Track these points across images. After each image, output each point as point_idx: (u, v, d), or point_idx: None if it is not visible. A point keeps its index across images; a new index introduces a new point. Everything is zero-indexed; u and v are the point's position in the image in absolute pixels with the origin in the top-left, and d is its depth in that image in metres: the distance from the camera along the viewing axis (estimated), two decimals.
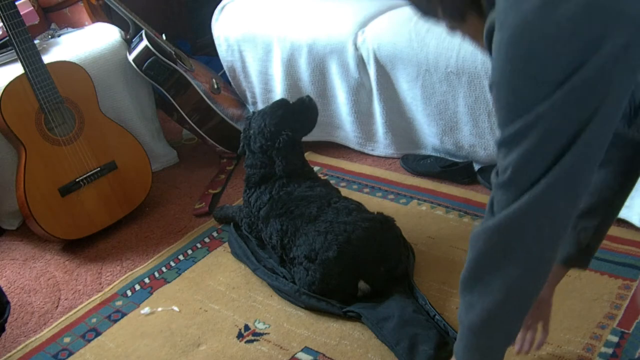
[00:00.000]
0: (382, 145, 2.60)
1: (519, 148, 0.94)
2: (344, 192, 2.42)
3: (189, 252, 2.22)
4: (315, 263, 1.81)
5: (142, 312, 1.96)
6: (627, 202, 1.99)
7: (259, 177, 2.10)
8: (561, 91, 0.88)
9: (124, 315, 1.97)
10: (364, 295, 1.81)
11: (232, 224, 2.24)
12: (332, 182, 2.50)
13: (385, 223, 1.90)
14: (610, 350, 1.59)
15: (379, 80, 2.44)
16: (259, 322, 1.86)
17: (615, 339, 1.62)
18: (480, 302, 1.06)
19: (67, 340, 1.91)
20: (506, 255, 1.01)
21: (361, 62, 2.45)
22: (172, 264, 2.17)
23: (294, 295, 1.87)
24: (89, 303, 2.04)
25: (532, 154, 0.93)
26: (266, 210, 2.02)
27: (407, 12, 2.43)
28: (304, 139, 2.78)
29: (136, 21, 2.67)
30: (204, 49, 3.45)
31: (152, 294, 2.04)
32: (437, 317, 1.72)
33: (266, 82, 2.80)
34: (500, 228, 1.00)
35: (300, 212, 1.93)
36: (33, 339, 1.92)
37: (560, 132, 0.91)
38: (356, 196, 2.38)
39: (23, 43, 2.16)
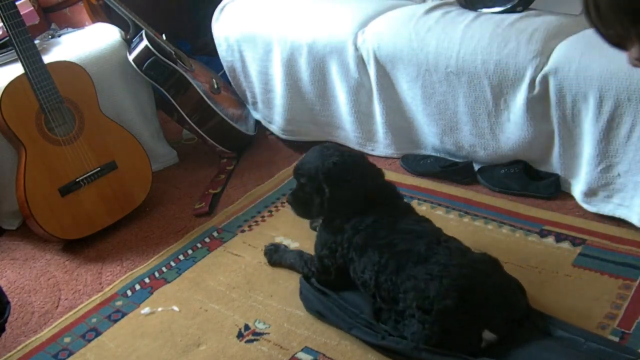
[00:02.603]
0: (382, 145, 2.60)
1: None
2: None
3: (189, 252, 2.22)
4: (431, 314, 1.54)
5: (142, 312, 1.96)
6: (627, 202, 2.01)
7: (368, 199, 1.81)
8: None
9: (124, 315, 1.97)
10: (489, 345, 1.56)
11: (302, 275, 1.96)
12: None
13: (497, 264, 1.68)
14: None
15: (379, 80, 2.44)
16: (259, 322, 1.86)
17: (615, 339, 1.62)
18: None
19: (67, 340, 1.91)
20: None
21: (361, 62, 2.45)
22: (172, 263, 2.17)
23: (411, 353, 1.58)
24: (89, 303, 2.04)
25: None
26: (364, 237, 1.74)
27: (407, 12, 2.44)
28: (306, 139, 2.80)
29: (136, 21, 2.67)
30: (204, 49, 3.45)
31: (152, 294, 2.04)
32: (587, 344, 1.55)
33: (266, 82, 2.80)
34: None
35: (405, 247, 1.66)
36: (33, 338, 1.92)
37: None
38: None
39: (23, 43, 2.16)
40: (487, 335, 1.55)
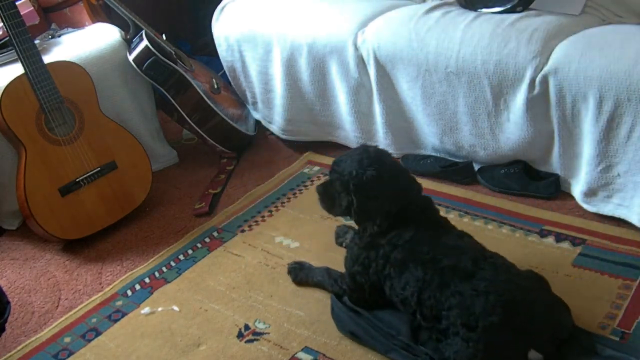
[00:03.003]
0: (382, 145, 2.59)
1: None
2: None
3: (189, 252, 2.22)
4: (476, 331, 1.47)
5: (142, 312, 1.97)
6: (627, 202, 2.01)
7: (403, 214, 1.72)
8: None
9: (124, 315, 1.97)
10: None
11: (333, 294, 1.88)
12: None
13: (544, 281, 1.63)
14: None
15: (379, 80, 2.44)
16: (259, 322, 1.86)
17: (615, 339, 1.62)
18: None
19: (67, 340, 1.91)
20: None
21: (361, 62, 2.45)
22: (172, 263, 2.17)
23: None
24: (89, 303, 2.04)
25: None
26: (404, 252, 1.66)
27: (407, 12, 2.44)
28: (306, 139, 2.80)
29: (136, 21, 2.67)
30: (204, 49, 3.45)
31: (152, 293, 2.04)
32: None
33: (266, 82, 2.80)
34: None
35: (450, 263, 1.59)
36: (33, 338, 1.92)
37: None
38: None
39: (23, 43, 2.16)
40: (533, 355, 1.49)
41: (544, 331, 1.51)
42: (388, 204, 1.71)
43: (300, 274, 1.98)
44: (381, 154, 1.79)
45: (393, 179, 1.74)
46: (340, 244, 2.11)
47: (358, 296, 1.78)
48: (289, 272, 2.01)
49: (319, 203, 1.88)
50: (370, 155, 1.77)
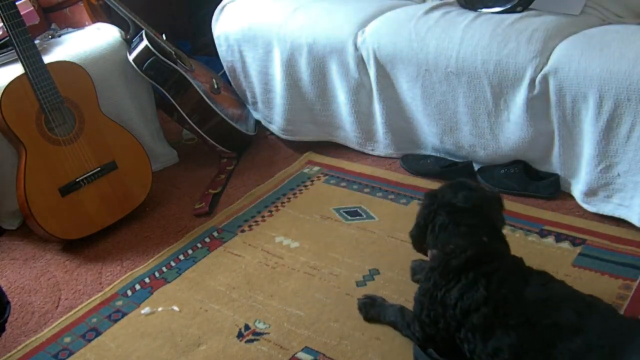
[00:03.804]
0: (382, 145, 2.60)
1: None
2: (344, 192, 2.43)
3: (189, 252, 2.22)
4: None
5: (143, 312, 1.97)
6: (627, 202, 2.01)
7: (465, 259, 1.54)
8: None
9: (124, 315, 1.97)
10: None
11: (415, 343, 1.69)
12: (332, 182, 2.52)
13: None
14: None
15: (379, 80, 2.44)
16: (259, 322, 1.86)
17: None
18: None
19: (67, 340, 1.91)
20: None
21: (361, 62, 2.46)
22: (173, 263, 2.17)
23: None
24: (89, 303, 2.04)
25: None
26: (484, 318, 1.46)
27: (407, 12, 2.44)
28: (306, 139, 2.80)
29: (136, 21, 2.67)
30: (204, 49, 3.45)
31: (152, 293, 2.04)
32: None
33: (266, 82, 2.80)
34: None
35: (550, 321, 1.40)
36: (33, 338, 1.92)
37: None
38: (356, 196, 2.39)
39: (23, 43, 2.16)
40: None
41: None
42: (436, 249, 1.63)
43: (372, 311, 1.82)
44: (478, 198, 1.65)
45: (454, 228, 1.61)
46: (417, 281, 1.92)
47: (430, 346, 1.64)
48: (360, 308, 1.84)
49: None
50: (460, 198, 1.64)
